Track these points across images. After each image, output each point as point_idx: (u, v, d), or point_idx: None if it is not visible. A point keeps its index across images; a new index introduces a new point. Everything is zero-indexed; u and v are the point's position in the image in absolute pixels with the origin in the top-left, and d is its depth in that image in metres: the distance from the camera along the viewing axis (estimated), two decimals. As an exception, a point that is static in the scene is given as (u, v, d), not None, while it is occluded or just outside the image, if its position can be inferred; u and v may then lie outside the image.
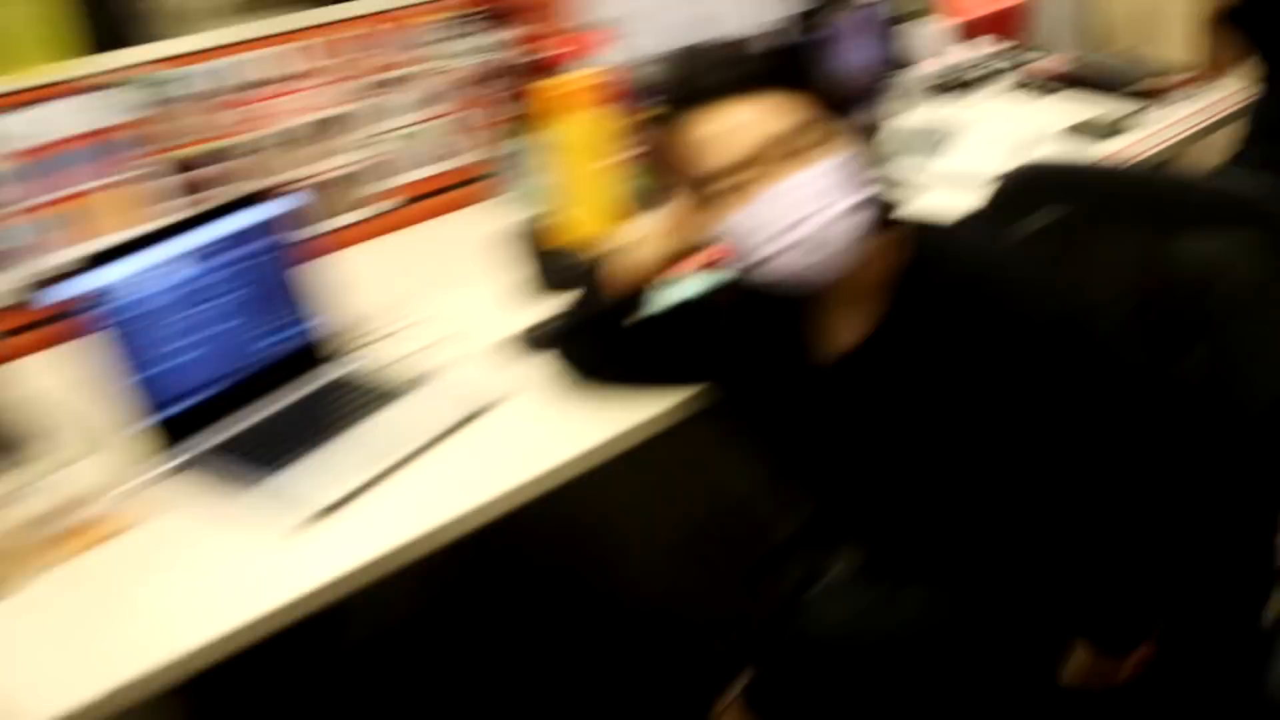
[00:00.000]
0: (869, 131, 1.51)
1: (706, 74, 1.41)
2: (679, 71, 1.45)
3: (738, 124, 1.38)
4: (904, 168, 2.38)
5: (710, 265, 1.69)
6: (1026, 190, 1.92)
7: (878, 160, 1.47)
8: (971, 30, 3.08)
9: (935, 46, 2.99)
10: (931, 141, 2.51)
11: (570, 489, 1.70)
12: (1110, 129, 2.54)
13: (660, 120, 1.44)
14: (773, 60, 1.42)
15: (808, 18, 2.56)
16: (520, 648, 2.58)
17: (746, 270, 1.44)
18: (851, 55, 2.46)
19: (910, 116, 2.67)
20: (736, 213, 1.39)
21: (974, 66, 2.93)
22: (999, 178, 1.89)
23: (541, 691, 2.48)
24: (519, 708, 2.46)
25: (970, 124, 2.60)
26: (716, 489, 2.02)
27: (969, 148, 2.46)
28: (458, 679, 2.55)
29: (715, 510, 2.05)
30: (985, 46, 3.04)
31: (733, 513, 2.04)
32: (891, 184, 1.47)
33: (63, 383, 1.75)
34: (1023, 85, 2.89)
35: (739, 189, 1.39)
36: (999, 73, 2.97)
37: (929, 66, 2.94)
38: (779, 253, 1.39)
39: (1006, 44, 3.07)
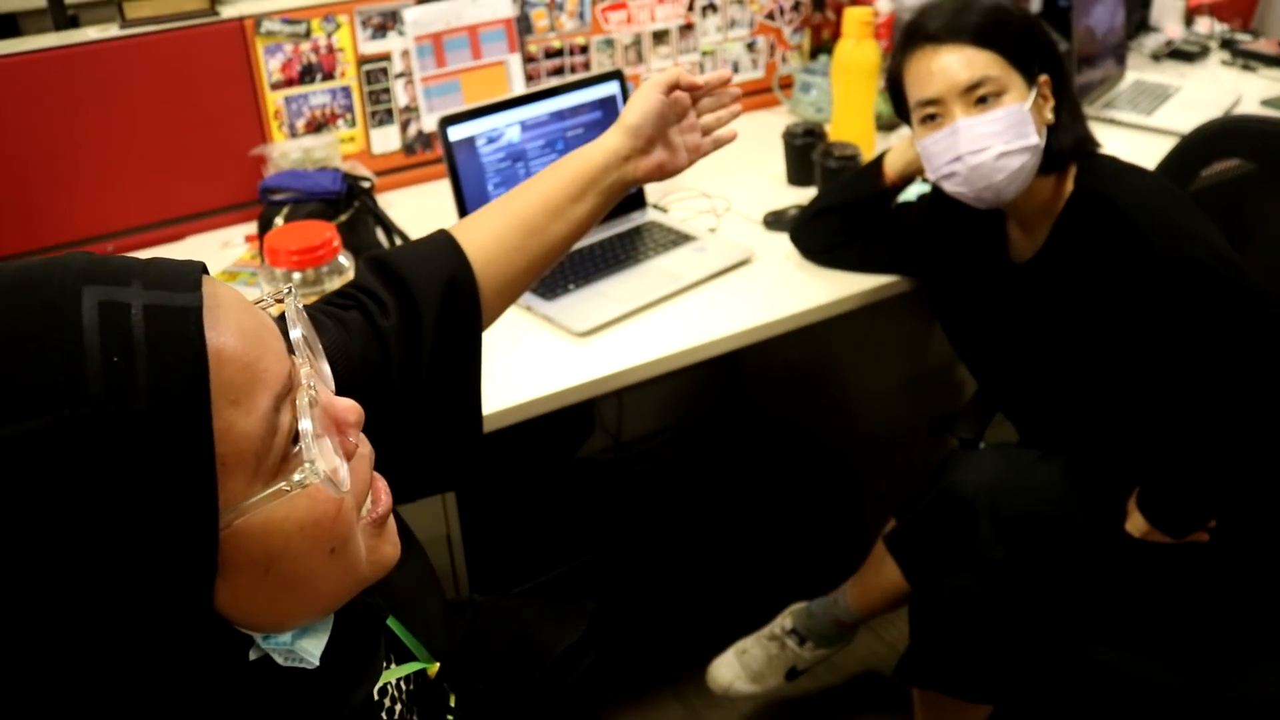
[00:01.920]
0: (1064, 89, 1.58)
1: (930, 21, 1.54)
2: (914, 18, 1.58)
3: (939, 66, 1.52)
4: (1120, 120, 2.41)
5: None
6: (1213, 143, 1.92)
7: (1067, 114, 1.57)
8: (1196, 10, 2.99)
9: (1165, 20, 2.93)
10: (1149, 99, 2.52)
11: (807, 341, 1.81)
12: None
13: (895, 55, 1.59)
14: (984, 20, 1.52)
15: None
16: (731, 469, 2.71)
17: (936, 185, 1.57)
18: (1090, 20, 2.48)
19: (1135, 76, 2.68)
20: (925, 139, 1.54)
21: (1193, 40, 2.86)
22: (1189, 134, 1.92)
23: (748, 501, 2.60)
24: (729, 514, 2.59)
25: (1182, 89, 2.60)
26: (925, 355, 2.10)
27: (1177, 108, 2.46)
28: (687, 488, 2.69)
29: (921, 372, 2.13)
30: (1205, 25, 2.94)
31: (935, 376, 2.12)
32: (1073, 132, 1.56)
33: (434, 208, 1.95)
34: (1234, 61, 2.83)
35: (929, 121, 1.55)
36: (1214, 48, 2.92)
37: (1157, 36, 2.89)
38: (945, 178, 1.55)
39: (1224, 25, 2.96)
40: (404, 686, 0.89)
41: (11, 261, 0.58)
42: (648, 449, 2.76)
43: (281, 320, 0.68)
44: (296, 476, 0.59)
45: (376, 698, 0.83)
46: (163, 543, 0.54)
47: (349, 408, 0.68)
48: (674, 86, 1.20)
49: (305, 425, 0.60)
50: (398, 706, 0.86)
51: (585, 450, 2.66)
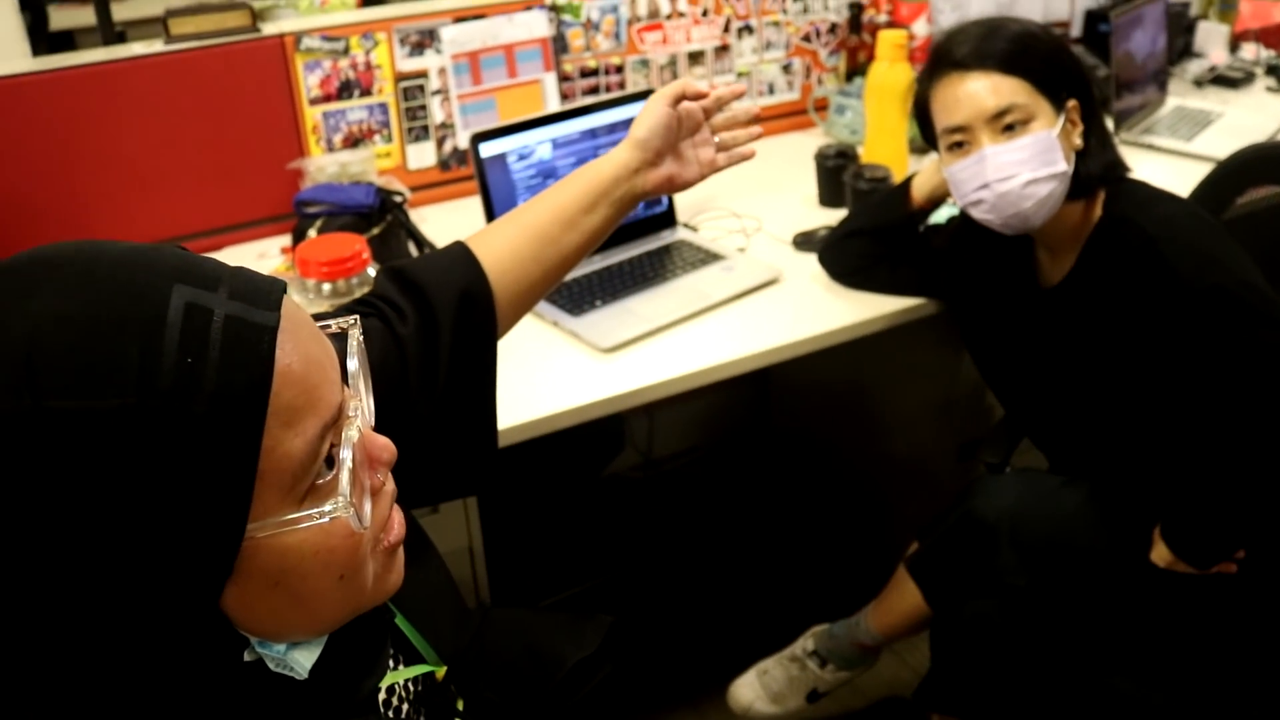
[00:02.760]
0: (1092, 115, 1.56)
1: (957, 48, 1.53)
2: (941, 43, 1.58)
3: (965, 93, 1.52)
4: (1159, 145, 2.39)
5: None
6: (1248, 169, 1.90)
7: (1096, 139, 1.56)
8: (1242, 36, 2.96)
9: (1209, 46, 2.90)
10: (1189, 125, 2.50)
11: (837, 363, 1.78)
12: (1351, 134, 2.45)
13: (922, 81, 1.57)
14: (1011, 47, 1.51)
15: (1098, 13, 2.58)
16: (758, 489, 2.70)
17: (964, 211, 1.57)
18: (1129, 45, 2.46)
19: (1176, 102, 2.66)
20: (953, 166, 1.53)
21: (1238, 66, 2.84)
22: (1225, 159, 1.90)
23: (772, 518, 2.60)
24: (754, 534, 2.59)
25: (1225, 115, 2.57)
26: (955, 378, 2.09)
27: (1218, 134, 2.44)
28: (713, 507, 2.69)
29: (951, 396, 2.11)
30: (1251, 51, 2.91)
31: (965, 400, 2.11)
32: (1101, 158, 1.55)
33: (467, 224, 1.97)
34: (1278, 88, 2.80)
35: (957, 148, 1.54)
36: (1259, 74, 2.90)
37: (1201, 62, 2.86)
38: (973, 204, 1.54)
39: (1271, 51, 2.93)
40: (411, 688, 0.90)
41: (118, 242, 0.61)
42: (676, 467, 2.76)
43: (341, 344, 0.70)
44: (328, 506, 0.61)
45: (385, 696, 0.84)
46: (189, 537, 0.56)
47: (384, 446, 0.70)
48: (681, 97, 1.21)
49: (346, 457, 0.62)
50: (405, 707, 0.87)
51: (614, 467, 2.67)
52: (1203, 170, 2.10)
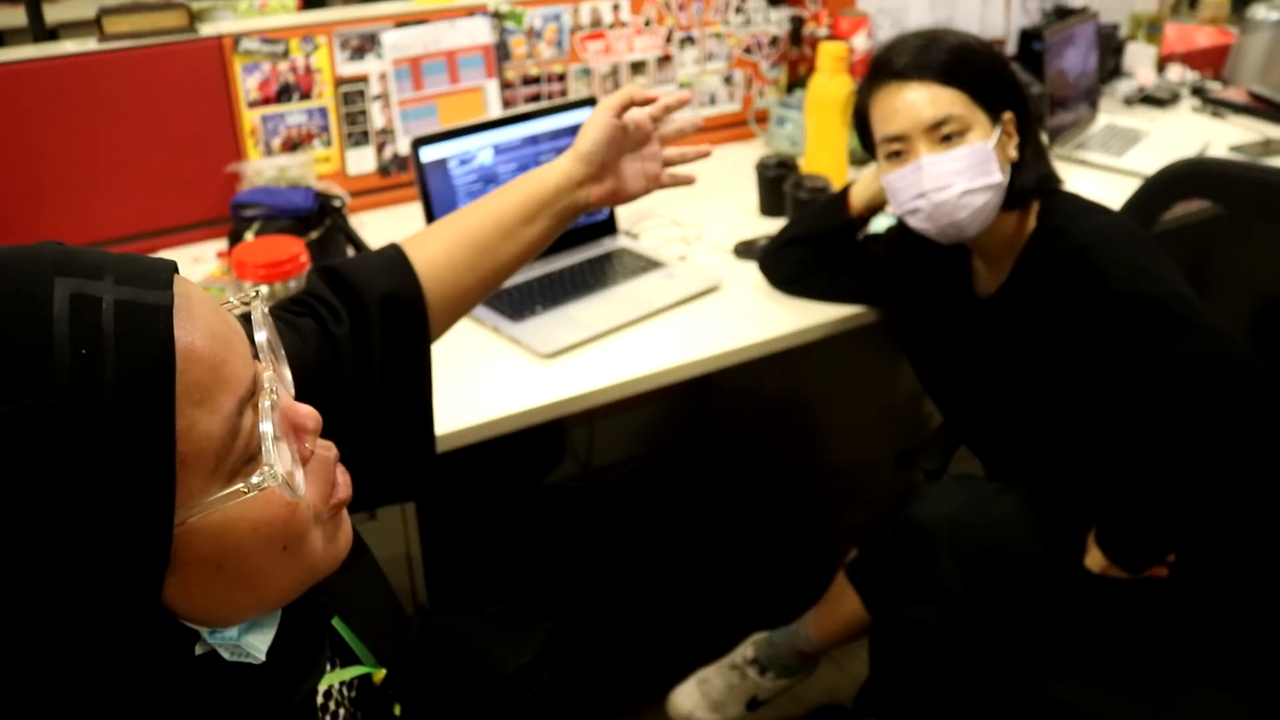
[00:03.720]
0: (1027, 127, 1.58)
1: (896, 58, 1.55)
2: (881, 54, 1.59)
3: (904, 103, 1.53)
4: (1091, 160, 2.44)
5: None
6: (1177, 184, 1.92)
7: (1030, 151, 1.58)
8: (1168, 58, 3.04)
9: (1137, 67, 2.97)
10: (1120, 142, 2.55)
11: (776, 372, 1.78)
12: (1271, 150, 2.54)
13: (861, 91, 1.59)
14: (949, 59, 1.52)
15: (1032, 32, 2.63)
16: (696, 498, 2.71)
17: (901, 219, 1.59)
18: (1062, 63, 2.51)
19: (1107, 119, 2.71)
20: (890, 174, 1.55)
21: (1164, 87, 2.90)
22: (1154, 174, 1.92)
23: (712, 526, 2.60)
24: (694, 544, 2.58)
25: (1153, 133, 2.63)
26: (893, 387, 2.10)
27: (1147, 151, 2.49)
28: (653, 517, 2.68)
29: (889, 404, 2.12)
30: (1177, 73, 2.98)
31: (903, 408, 2.12)
32: (1036, 169, 1.57)
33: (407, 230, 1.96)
34: (1204, 108, 2.87)
35: (894, 156, 1.56)
36: (1185, 95, 2.97)
37: (1130, 82, 2.93)
38: (910, 213, 1.56)
39: (1195, 73, 3.01)
40: (346, 692, 0.88)
41: None
42: (616, 477, 2.75)
43: (247, 323, 0.68)
44: (255, 479, 0.59)
45: (321, 700, 0.83)
46: (117, 535, 0.54)
47: (308, 414, 0.68)
48: (627, 106, 1.20)
49: (266, 429, 0.60)
50: (341, 710, 0.85)
51: (554, 477, 2.65)
52: (1133, 185, 2.13)
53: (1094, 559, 1.54)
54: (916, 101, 1.52)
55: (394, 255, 1.09)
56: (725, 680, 1.90)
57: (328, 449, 0.71)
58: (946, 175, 1.51)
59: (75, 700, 0.59)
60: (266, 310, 0.70)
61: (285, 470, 0.61)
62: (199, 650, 0.64)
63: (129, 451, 0.54)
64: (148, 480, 0.55)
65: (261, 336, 0.67)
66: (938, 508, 1.62)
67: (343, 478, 0.71)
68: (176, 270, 0.62)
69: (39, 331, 0.53)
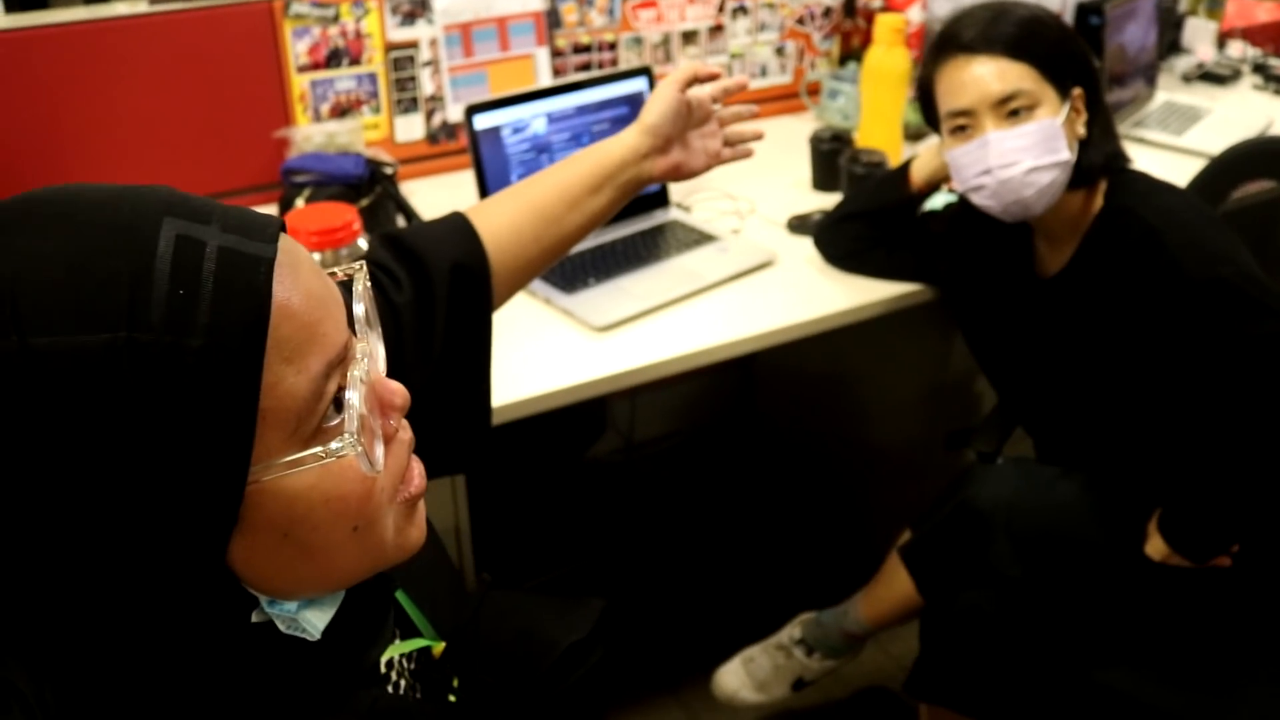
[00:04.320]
0: (1096, 104, 1.54)
1: (964, 31, 1.51)
2: (948, 25, 1.55)
3: (971, 78, 1.50)
4: (1150, 139, 2.39)
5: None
6: (1245, 163, 1.91)
7: (1099, 128, 1.54)
8: (1229, 33, 2.96)
9: (1197, 42, 2.90)
10: (1179, 120, 2.49)
11: (822, 349, 1.77)
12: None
13: (927, 63, 1.56)
14: (1018, 31, 1.49)
15: (1090, 5, 2.56)
16: (743, 475, 2.68)
17: (964, 196, 1.56)
18: (1122, 38, 2.45)
19: (1165, 97, 2.65)
20: (955, 150, 1.50)
21: (1224, 64, 2.84)
22: (1222, 152, 1.88)
23: (756, 510, 2.57)
24: (737, 522, 2.56)
25: (1213, 111, 2.57)
26: (944, 367, 2.07)
27: (1208, 130, 2.43)
28: (696, 493, 2.67)
29: (939, 384, 2.09)
30: (1238, 49, 2.91)
31: (953, 389, 2.09)
32: (1104, 147, 1.53)
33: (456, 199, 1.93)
34: (1265, 86, 2.80)
35: (959, 131, 1.52)
36: (1246, 72, 2.89)
37: (1191, 58, 2.86)
38: (974, 190, 1.51)
39: (1257, 50, 2.93)
40: (406, 664, 0.87)
41: (101, 184, 0.58)
42: (658, 451, 2.73)
43: (348, 292, 0.67)
44: (334, 445, 0.58)
45: (384, 670, 0.82)
46: (190, 482, 0.54)
47: (396, 390, 0.67)
48: (691, 81, 1.21)
49: (352, 396, 0.59)
50: (402, 681, 0.85)
51: (596, 450, 2.64)
52: (1193, 164, 2.10)
53: (1155, 547, 1.51)
54: (984, 76, 1.48)
55: (460, 223, 1.08)
56: (771, 660, 1.89)
57: (406, 431, 0.69)
58: (1013, 152, 1.47)
59: (128, 658, 0.59)
60: (368, 284, 0.68)
61: (367, 443, 0.60)
62: (256, 618, 0.63)
63: (212, 398, 0.53)
64: (227, 430, 0.54)
65: (360, 309, 0.66)
66: (995, 491, 1.59)
67: (418, 468, 0.70)
68: (284, 228, 0.61)
69: (141, 266, 0.52)
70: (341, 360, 0.61)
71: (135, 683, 0.60)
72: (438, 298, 1.02)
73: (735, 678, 1.90)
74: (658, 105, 1.18)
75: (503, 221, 1.09)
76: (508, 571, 2.31)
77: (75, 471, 0.51)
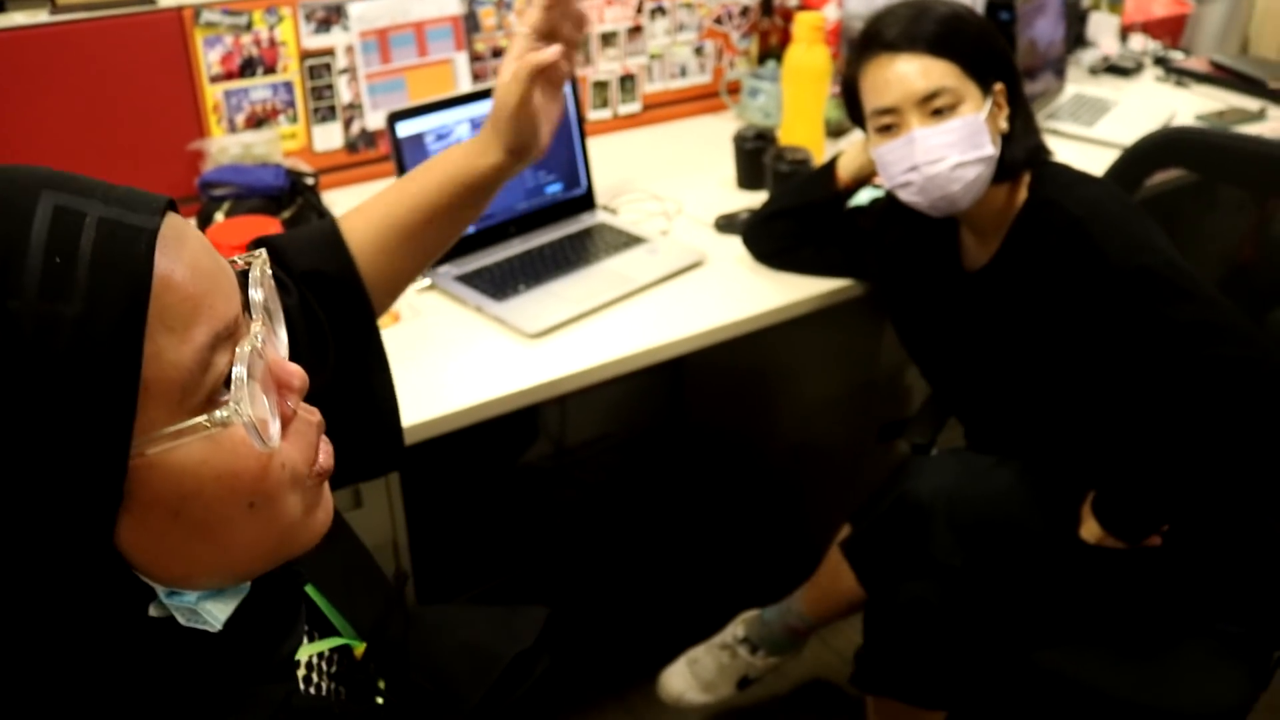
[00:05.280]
0: (1018, 99, 1.57)
1: (886, 29, 1.52)
2: (870, 24, 1.56)
3: (895, 76, 1.50)
4: (1063, 131, 2.44)
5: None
6: (1158, 153, 1.93)
7: (1021, 123, 1.56)
8: (1130, 27, 3.05)
9: (1101, 36, 2.97)
10: (1089, 112, 2.55)
11: (751, 347, 1.79)
12: (1237, 119, 2.55)
13: (850, 62, 1.56)
14: (940, 29, 1.50)
15: (1000, 1, 2.61)
16: (677, 476, 2.68)
17: (891, 192, 1.57)
18: (1033, 33, 2.50)
19: (1074, 89, 2.71)
20: (881, 147, 1.52)
21: (1128, 56, 2.91)
22: (1135, 142, 1.92)
23: (683, 512, 2.58)
24: (674, 523, 2.56)
25: (1120, 102, 2.63)
26: (874, 361, 2.09)
27: (1117, 120, 2.49)
28: (631, 496, 2.66)
29: (870, 378, 2.11)
30: (1139, 42, 3.00)
31: (884, 382, 2.11)
32: (1026, 141, 1.55)
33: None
34: (1167, 77, 2.88)
35: (885, 130, 1.53)
36: (1148, 64, 2.98)
37: (1096, 51, 2.94)
38: (901, 186, 1.53)
39: (1157, 42, 3.02)
40: (325, 666, 0.85)
41: None
42: (590, 456, 2.72)
43: (245, 280, 0.66)
44: (219, 414, 0.57)
45: (303, 671, 0.80)
46: (71, 455, 0.53)
47: (294, 372, 0.66)
48: (537, 74, 1.05)
49: (239, 370, 0.59)
50: (323, 683, 0.83)
51: (527, 456, 2.61)
52: (1105, 154, 2.15)
53: (1090, 530, 1.54)
54: (908, 74, 1.50)
55: (330, 233, 1.05)
56: (716, 660, 1.89)
57: (311, 413, 0.68)
58: (939, 148, 1.49)
59: (20, 642, 0.57)
60: (268, 272, 0.68)
61: (258, 416, 0.59)
62: (154, 612, 0.62)
63: (91, 367, 0.52)
64: (108, 399, 0.53)
65: (257, 295, 0.65)
66: (934, 482, 1.61)
67: (326, 447, 0.69)
68: (174, 208, 0.61)
69: (16, 236, 0.52)
70: (231, 335, 0.60)
71: (30, 679, 0.59)
72: (318, 305, 1.01)
73: (680, 679, 1.89)
74: (515, 122, 1.05)
75: (370, 237, 1.06)
76: (445, 583, 2.27)
77: None
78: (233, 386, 0.58)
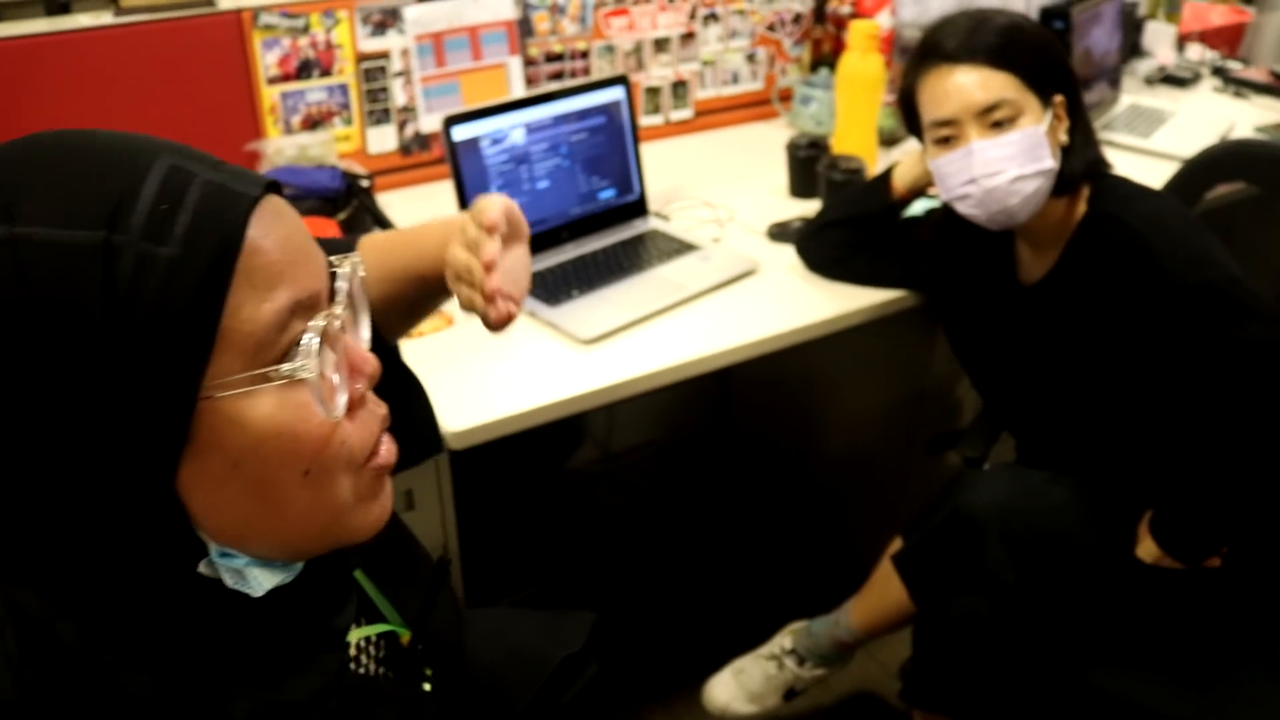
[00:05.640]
0: (1077, 111, 1.55)
1: (945, 40, 1.51)
2: (929, 34, 1.55)
3: (954, 87, 1.49)
4: (1118, 142, 2.41)
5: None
6: (1219, 165, 1.92)
7: (1079, 135, 1.54)
8: (1187, 37, 3.01)
9: (1157, 46, 2.94)
10: (1145, 123, 2.52)
11: (800, 356, 1.78)
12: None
13: (908, 72, 1.55)
14: (1000, 40, 1.48)
15: (1054, 10, 2.58)
16: (726, 485, 2.67)
17: (947, 204, 1.56)
18: (1088, 42, 2.47)
19: (1130, 100, 2.68)
20: (939, 159, 1.50)
21: (1185, 66, 2.88)
22: (1196, 155, 1.90)
23: (728, 523, 2.57)
24: (718, 531, 2.55)
25: (1177, 113, 2.60)
26: (925, 372, 2.07)
27: (1174, 132, 2.46)
28: (676, 502, 2.65)
29: (920, 389, 2.09)
30: (1196, 52, 2.96)
31: (934, 394, 2.09)
32: (1085, 154, 1.54)
33: (430, 210, 1.95)
34: (1225, 88, 2.84)
35: (944, 141, 1.51)
36: (1205, 74, 2.94)
37: (1152, 61, 2.90)
38: (958, 199, 1.51)
39: (1214, 52, 2.98)
40: (372, 650, 0.86)
41: None
42: (636, 461, 2.71)
43: (334, 275, 0.70)
44: (285, 366, 0.61)
45: (353, 653, 0.81)
46: (145, 387, 0.56)
47: (367, 359, 0.69)
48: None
49: (312, 337, 0.62)
50: (370, 664, 0.84)
51: (573, 461, 2.61)
52: (1162, 166, 2.12)
53: (1146, 549, 1.52)
54: (967, 85, 1.48)
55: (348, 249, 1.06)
56: (762, 671, 1.88)
57: (379, 406, 0.71)
58: (998, 161, 1.47)
59: (77, 588, 0.60)
60: (361, 272, 0.71)
61: (325, 381, 0.62)
62: (202, 569, 0.64)
63: (176, 307, 0.56)
64: (187, 339, 0.57)
65: (344, 285, 0.69)
66: (988, 497, 1.59)
67: (389, 444, 0.71)
68: (278, 190, 0.66)
69: (132, 182, 0.57)
70: (312, 307, 0.64)
71: (84, 617, 0.61)
72: None
73: (726, 689, 1.88)
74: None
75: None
76: (492, 587, 2.28)
77: (42, 357, 0.54)
78: (301, 346, 0.62)
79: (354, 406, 0.67)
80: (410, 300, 1.06)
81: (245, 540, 0.64)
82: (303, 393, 0.61)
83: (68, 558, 0.59)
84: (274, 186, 0.65)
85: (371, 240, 1.07)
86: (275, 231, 0.62)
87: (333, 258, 0.70)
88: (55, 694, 0.59)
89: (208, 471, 0.60)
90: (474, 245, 0.96)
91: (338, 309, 0.66)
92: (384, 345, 1.06)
